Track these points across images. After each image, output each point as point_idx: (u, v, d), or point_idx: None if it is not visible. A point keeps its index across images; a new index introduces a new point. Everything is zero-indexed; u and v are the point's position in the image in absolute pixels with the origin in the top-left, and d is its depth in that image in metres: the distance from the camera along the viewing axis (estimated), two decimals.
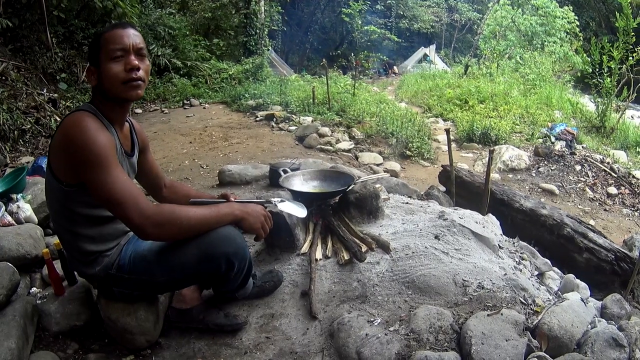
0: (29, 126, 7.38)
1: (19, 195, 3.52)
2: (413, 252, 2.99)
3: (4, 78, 8.19)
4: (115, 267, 2.26)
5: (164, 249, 2.22)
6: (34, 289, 2.94)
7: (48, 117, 7.91)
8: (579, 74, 17.94)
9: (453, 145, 8.56)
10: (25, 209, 3.42)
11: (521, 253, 3.61)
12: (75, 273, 2.72)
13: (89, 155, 1.93)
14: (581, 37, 21.05)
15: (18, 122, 7.24)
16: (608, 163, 8.60)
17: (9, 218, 3.29)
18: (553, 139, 9.75)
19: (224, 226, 2.21)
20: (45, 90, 8.81)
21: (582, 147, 9.58)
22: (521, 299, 2.72)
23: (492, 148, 5.46)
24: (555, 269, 3.78)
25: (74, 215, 2.14)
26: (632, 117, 12.75)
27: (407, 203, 3.99)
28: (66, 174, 2.05)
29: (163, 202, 2.72)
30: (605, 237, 4.68)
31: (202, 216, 2.13)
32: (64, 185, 2.06)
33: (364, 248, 3.00)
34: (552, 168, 8.54)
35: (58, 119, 7.94)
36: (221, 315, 2.64)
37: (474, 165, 8.87)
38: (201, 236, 2.16)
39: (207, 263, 2.19)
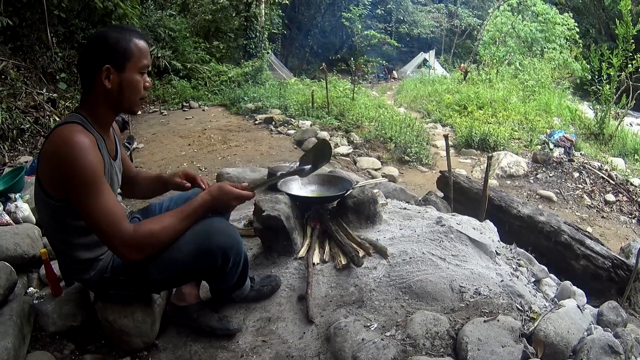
0: (28, 126, 7.36)
1: (17, 195, 3.52)
2: (410, 258, 2.99)
3: (3, 77, 8.18)
4: (110, 270, 2.24)
5: None
6: (31, 289, 2.94)
7: (47, 117, 7.90)
8: (578, 81, 18.00)
9: (451, 151, 8.58)
10: (23, 208, 3.41)
11: (518, 259, 3.62)
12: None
13: (78, 177, 1.92)
14: (581, 44, 21.04)
15: (17, 121, 7.22)
16: (606, 170, 8.62)
17: (6, 217, 3.29)
18: (551, 146, 9.78)
19: (219, 221, 2.26)
20: (44, 90, 8.79)
21: (581, 154, 9.61)
22: (518, 306, 2.73)
23: (490, 154, 5.48)
24: (552, 275, 3.79)
25: (66, 226, 2.13)
26: (630, 124, 12.77)
27: (405, 208, 4.00)
28: (56, 189, 2.02)
29: (135, 190, 2.73)
30: (602, 245, 4.69)
31: (178, 223, 2.15)
32: (54, 200, 2.03)
33: (361, 253, 3.00)
34: (550, 175, 8.56)
35: (57, 119, 7.90)
36: (215, 317, 2.62)
37: (472, 171, 8.89)
38: (196, 232, 2.18)
39: (203, 258, 2.19)
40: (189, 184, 2.60)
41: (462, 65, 27.70)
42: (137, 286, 2.33)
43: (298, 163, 2.85)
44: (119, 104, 2.13)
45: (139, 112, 11.36)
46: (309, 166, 2.79)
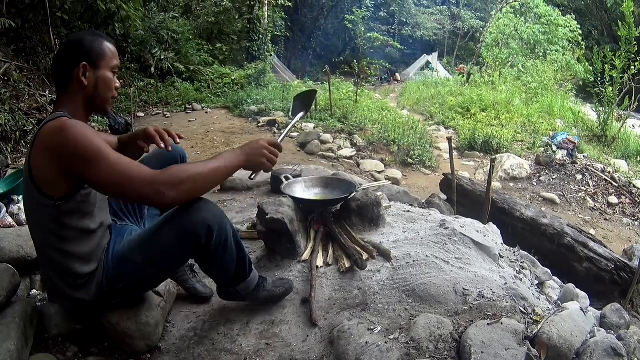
0: (30, 127, 7.34)
1: (20, 197, 3.53)
2: (414, 261, 2.99)
3: (6, 79, 8.19)
4: (106, 282, 2.23)
5: (140, 241, 2.25)
6: (34, 291, 2.93)
7: None
8: (580, 83, 17.98)
9: (455, 153, 8.58)
10: None
11: (522, 262, 3.62)
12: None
13: (84, 150, 1.92)
14: (583, 46, 21.07)
15: (20, 123, 7.21)
16: (609, 172, 8.61)
17: (9, 219, 3.30)
18: (554, 148, 9.76)
19: (202, 201, 2.19)
20: (47, 92, 8.81)
21: (584, 156, 9.59)
22: (521, 309, 2.73)
23: (493, 157, 5.47)
24: (555, 278, 3.78)
25: (64, 230, 2.10)
26: (633, 126, 12.74)
27: (409, 211, 4.00)
28: (56, 187, 2.01)
29: None
30: (605, 247, 4.69)
31: (212, 167, 2.11)
32: (54, 200, 2.02)
33: (365, 256, 3.00)
34: (553, 177, 8.55)
35: None
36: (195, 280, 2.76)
37: (475, 174, 8.88)
38: (177, 214, 2.16)
39: (187, 237, 2.16)
40: (145, 146, 2.50)
41: (461, 65, 27.75)
42: (135, 287, 2.35)
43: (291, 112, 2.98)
44: (94, 100, 2.19)
45: (141, 114, 11.45)
46: (302, 112, 2.88)
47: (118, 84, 2.28)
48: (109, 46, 2.21)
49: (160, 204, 2.07)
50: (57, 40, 10.37)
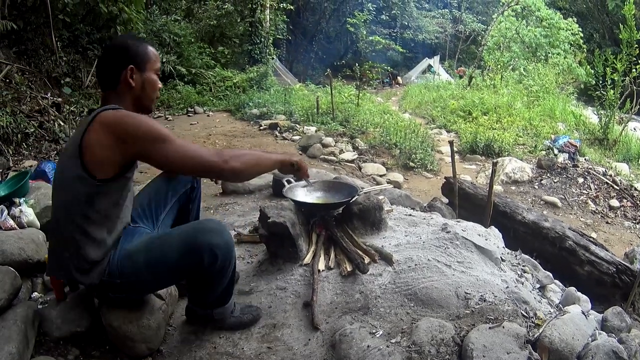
0: (32, 130, 7.37)
1: (22, 200, 3.53)
2: (416, 265, 3.00)
3: (8, 81, 8.21)
4: (107, 274, 2.27)
5: (148, 243, 2.32)
6: (35, 294, 2.93)
7: (52, 122, 7.91)
8: (582, 86, 17.99)
9: (456, 157, 8.59)
10: (27, 213, 3.41)
11: (523, 266, 3.62)
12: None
13: (158, 132, 2.13)
14: (585, 49, 21.01)
15: (22, 125, 7.24)
16: (610, 175, 8.61)
17: (11, 222, 3.29)
18: (556, 151, 9.76)
19: (212, 221, 2.39)
20: (49, 94, 8.84)
21: (585, 159, 9.59)
22: (523, 312, 2.74)
23: (495, 160, 5.48)
24: (557, 281, 3.79)
25: (92, 211, 2.19)
26: (634, 129, 12.70)
27: (410, 215, 4.01)
28: (103, 168, 2.13)
29: None
30: (606, 250, 4.68)
31: (263, 154, 2.44)
32: (96, 180, 2.12)
33: (366, 260, 3.01)
34: (555, 180, 8.55)
35: (62, 123, 7.95)
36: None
37: (477, 177, 8.89)
38: (186, 229, 2.36)
39: (190, 254, 2.24)
40: None
41: (461, 68, 27.77)
42: (131, 288, 2.37)
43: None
44: (140, 100, 2.36)
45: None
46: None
47: (161, 85, 2.48)
48: (152, 50, 2.40)
49: (222, 171, 2.21)
50: (58, 43, 10.41)
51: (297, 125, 10.68)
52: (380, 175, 8.29)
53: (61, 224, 2.27)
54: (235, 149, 2.32)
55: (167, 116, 12.08)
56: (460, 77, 21.15)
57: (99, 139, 2.09)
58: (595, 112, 12.53)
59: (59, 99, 8.94)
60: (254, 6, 18.22)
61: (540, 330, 2.55)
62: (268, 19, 18.73)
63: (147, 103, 2.40)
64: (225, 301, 2.62)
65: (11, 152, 6.78)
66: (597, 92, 11.60)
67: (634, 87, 11.30)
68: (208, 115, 12.45)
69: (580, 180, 8.47)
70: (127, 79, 2.28)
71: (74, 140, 2.17)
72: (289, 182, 3.70)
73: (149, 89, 2.37)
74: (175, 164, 2.19)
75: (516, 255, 3.78)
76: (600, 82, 11.49)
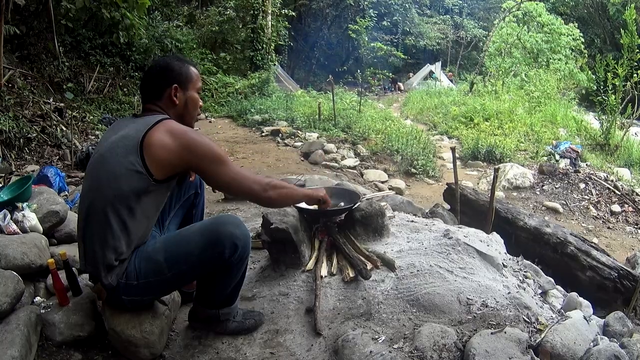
0: (34, 135, 7.38)
1: (25, 204, 3.52)
2: (418, 271, 3.01)
3: (10, 85, 8.24)
4: (125, 276, 2.30)
5: (167, 242, 2.39)
6: (37, 298, 2.91)
7: (54, 127, 7.90)
8: (583, 92, 18.01)
9: (458, 163, 8.60)
10: (30, 217, 3.41)
11: (525, 271, 3.62)
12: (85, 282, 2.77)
13: (218, 154, 2.31)
14: (586, 54, 21.02)
15: (24, 130, 7.24)
16: (612, 181, 8.61)
17: (14, 226, 3.28)
18: (557, 157, 9.77)
19: (230, 216, 2.55)
20: (51, 99, 8.86)
21: (586, 164, 9.60)
22: (524, 317, 2.74)
23: (496, 166, 5.49)
24: (559, 287, 3.79)
25: (137, 207, 2.25)
26: (636, 134, 12.71)
27: (412, 221, 4.01)
28: (160, 169, 2.24)
29: None
30: (608, 255, 4.68)
31: (295, 190, 2.67)
32: (152, 178, 2.22)
33: (369, 266, 3.01)
34: (556, 186, 8.56)
35: (64, 128, 7.94)
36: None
37: (478, 183, 8.90)
38: (206, 224, 2.46)
39: (212, 246, 2.31)
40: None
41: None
42: (150, 289, 2.39)
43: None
44: (182, 117, 2.48)
45: None
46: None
47: (202, 103, 2.65)
48: (194, 70, 2.54)
49: (260, 198, 2.45)
50: (60, 48, 10.43)
51: (299, 131, 10.69)
52: (382, 182, 8.31)
53: (105, 213, 2.23)
54: (277, 180, 2.39)
55: None
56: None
57: (163, 141, 2.21)
58: (596, 118, 12.54)
59: (61, 104, 8.93)
60: (255, 12, 18.25)
61: (542, 336, 2.56)
62: (270, 25, 18.76)
63: (189, 119, 2.52)
64: (233, 300, 2.66)
65: (14, 157, 6.78)
66: (599, 98, 11.63)
67: (635, 92, 11.31)
68: (210, 122, 12.47)
69: (582, 185, 8.48)
70: (171, 96, 2.43)
71: (131, 138, 2.23)
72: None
73: (191, 107, 2.52)
74: (224, 185, 2.40)
75: (518, 261, 3.79)
76: (602, 87, 11.53)
